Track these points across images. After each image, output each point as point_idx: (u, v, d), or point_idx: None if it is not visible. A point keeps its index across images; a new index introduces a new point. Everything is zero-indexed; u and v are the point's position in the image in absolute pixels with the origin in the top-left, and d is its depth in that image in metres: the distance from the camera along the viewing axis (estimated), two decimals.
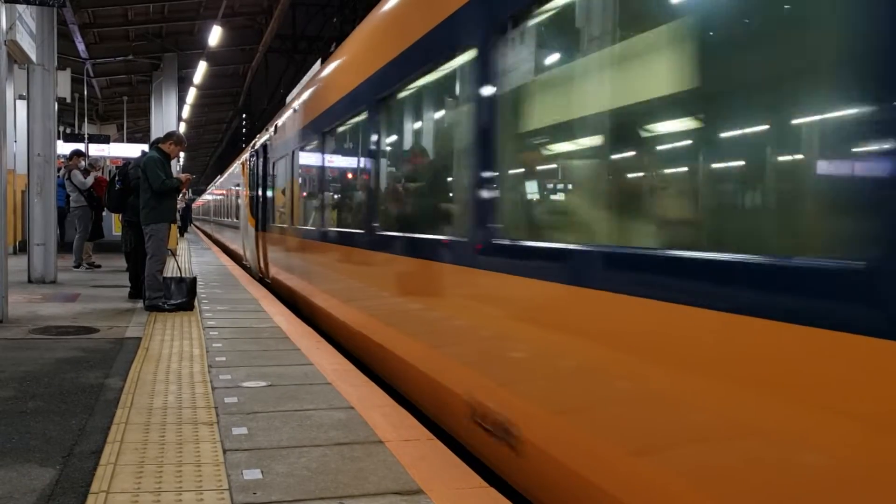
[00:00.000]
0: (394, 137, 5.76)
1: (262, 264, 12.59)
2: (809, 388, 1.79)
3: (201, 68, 21.62)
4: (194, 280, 8.42)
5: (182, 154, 11.75)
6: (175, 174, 8.47)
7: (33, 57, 11.10)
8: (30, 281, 10.64)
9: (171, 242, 8.57)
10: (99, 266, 13.10)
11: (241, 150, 28.12)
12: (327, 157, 7.73)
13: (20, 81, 13.68)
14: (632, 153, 2.89)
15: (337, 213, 7.51)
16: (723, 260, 2.09)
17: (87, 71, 20.71)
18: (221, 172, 32.62)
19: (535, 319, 3.11)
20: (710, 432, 2.14)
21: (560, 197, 3.44)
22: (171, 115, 21.15)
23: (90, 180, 12.76)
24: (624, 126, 2.80)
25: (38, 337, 6.41)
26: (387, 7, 5.57)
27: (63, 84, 15.63)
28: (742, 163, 2.35)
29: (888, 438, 1.60)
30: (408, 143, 5.62)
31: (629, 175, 2.90)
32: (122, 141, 28.01)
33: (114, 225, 16.14)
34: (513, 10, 3.22)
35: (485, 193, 3.50)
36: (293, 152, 9.75)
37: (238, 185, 18.44)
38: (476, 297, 3.67)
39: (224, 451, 3.46)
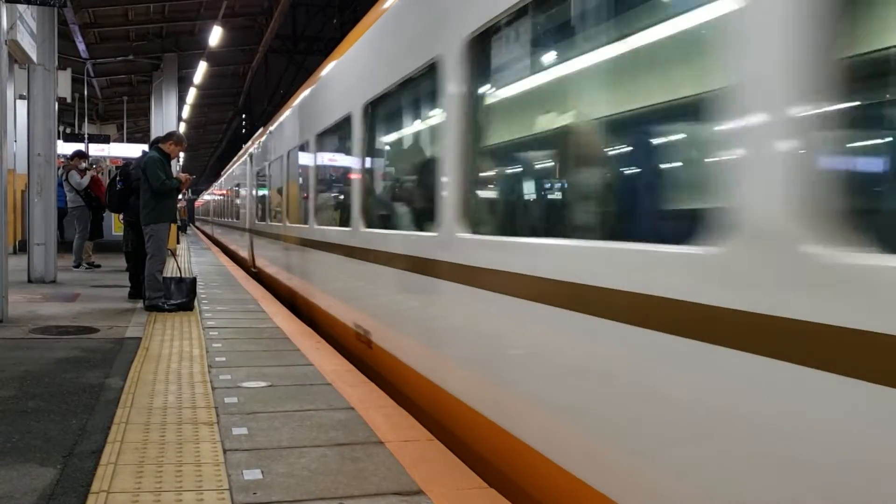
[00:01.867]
0: None
1: None
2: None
3: (201, 68, 21.62)
4: (194, 280, 8.42)
5: (182, 154, 11.75)
6: (175, 174, 8.47)
7: (34, 57, 11.10)
8: (30, 281, 10.64)
9: (170, 243, 8.57)
10: (99, 266, 13.10)
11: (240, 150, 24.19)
12: None
13: (21, 81, 13.70)
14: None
15: None
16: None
17: (88, 71, 20.71)
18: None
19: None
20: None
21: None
22: (171, 115, 21.14)
23: (86, 180, 12.76)
24: None
25: (38, 337, 6.41)
26: None
27: (63, 84, 15.63)
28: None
29: None
30: None
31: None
32: (122, 141, 27.99)
33: (114, 225, 16.13)
34: None
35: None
36: None
37: None
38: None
39: (224, 451, 3.46)
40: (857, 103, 1.83)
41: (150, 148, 8.57)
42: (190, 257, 17.61)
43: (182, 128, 28.99)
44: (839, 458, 1.71)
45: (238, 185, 19.23)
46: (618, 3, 2.88)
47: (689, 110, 2.52)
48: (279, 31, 22.77)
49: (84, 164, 13.29)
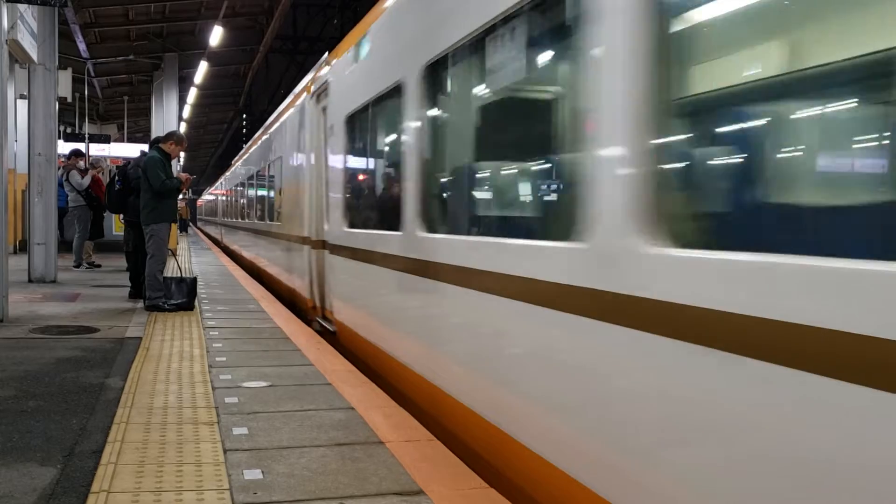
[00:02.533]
0: None
1: None
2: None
3: (202, 68, 21.61)
4: (195, 280, 8.42)
5: (182, 154, 11.71)
6: (175, 174, 8.47)
7: (34, 56, 11.11)
8: (30, 280, 10.64)
9: (171, 242, 8.57)
10: (99, 266, 13.10)
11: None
12: None
13: (21, 81, 13.69)
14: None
15: None
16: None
17: (88, 70, 20.72)
18: None
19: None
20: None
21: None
22: (171, 115, 21.13)
23: (86, 181, 12.76)
24: None
25: (38, 336, 6.41)
26: None
27: (64, 84, 15.62)
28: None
29: None
30: None
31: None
32: (123, 141, 27.99)
33: (114, 224, 16.14)
34: None
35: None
36: None
37: None
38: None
39: (224, 451, 3.46)
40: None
41: (150, 148, 8.58)
42: (190, 257, 17.60)
43: (183, 128, 28.95)
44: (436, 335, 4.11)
45: (270, 166, 12.16)
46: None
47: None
48: (280, 32, 22.79)
49: (81, 163, 13.29)
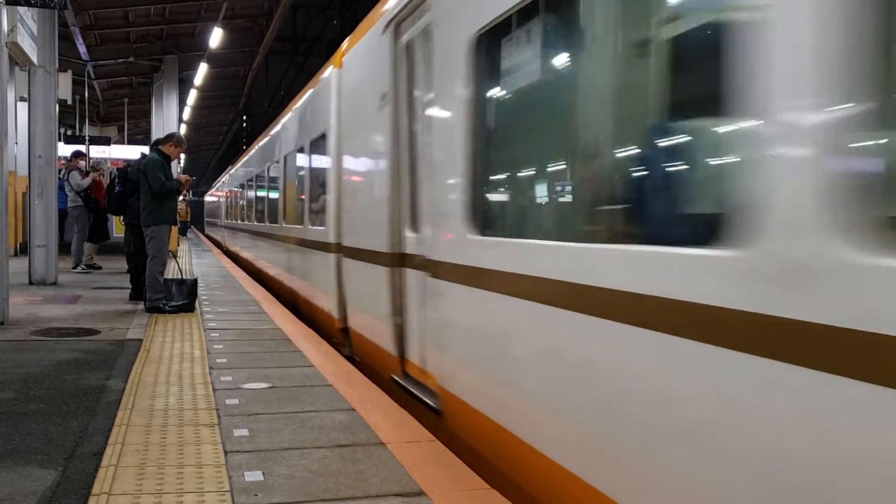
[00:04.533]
0: None
1: None
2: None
3: (202, 70, 21.62)
4: (195, 282, 8.42)
5: (183, 155, 11.74)
6: (175, 175, 8.47)
7: (34, 59, 11.12)
8: (31, 283, 10.64)
9: (171, 244, 8.58)
10: (99, 267, 13.10)
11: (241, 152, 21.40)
12: None
13: (21, 83, 13.71)
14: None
15: None
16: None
17: (88, 73, 20.73)
18: None
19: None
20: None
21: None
22: (171, 116, 21.14)
23: (86, 182, 12.76)
24: None
25: (39, 339, 6.41)
26: None
27: (64, 86, 15.61)
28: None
29: None
30: None
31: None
32: (123, 143, 28.01)
33: (114, 226, 16.15)
34: None
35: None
36: None
37: None
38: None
39: (225, 453, 3.46)
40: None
41: (150, 150, 8.59)
42: (191, 259, 17.61)
43: (183, 129, 28.97)
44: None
45: None
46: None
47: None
48: (279, 33, 22.78)
49: (82, 163, 13.30)
